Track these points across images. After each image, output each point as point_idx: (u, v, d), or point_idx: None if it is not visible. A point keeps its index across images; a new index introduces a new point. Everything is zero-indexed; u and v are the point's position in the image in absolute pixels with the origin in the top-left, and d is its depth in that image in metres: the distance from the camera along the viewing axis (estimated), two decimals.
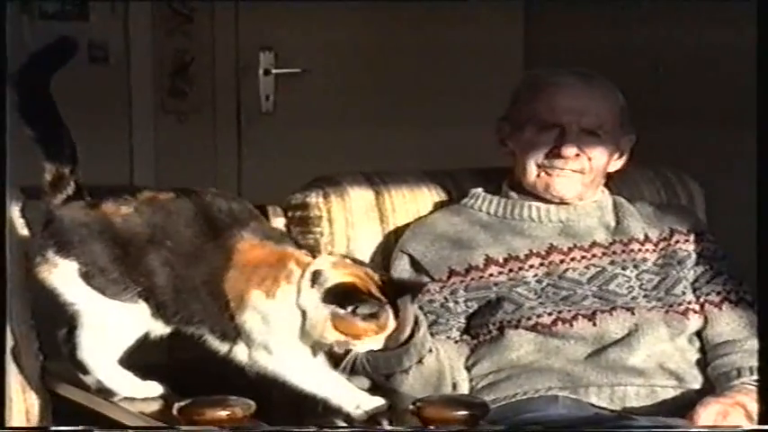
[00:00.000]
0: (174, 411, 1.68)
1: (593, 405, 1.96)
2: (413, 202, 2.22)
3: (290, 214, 2.19)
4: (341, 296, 1.71)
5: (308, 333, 1.73)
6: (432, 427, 1.63)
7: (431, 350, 1.93)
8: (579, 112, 2.09)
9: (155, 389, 1.80)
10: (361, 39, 3.54)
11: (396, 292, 1.76)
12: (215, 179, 3.60)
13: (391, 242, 2.16)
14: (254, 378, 1.80)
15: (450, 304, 2.04)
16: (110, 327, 1.77)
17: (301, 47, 3.56)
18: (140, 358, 1.83)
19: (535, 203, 2.13)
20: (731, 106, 3.04)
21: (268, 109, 3.59)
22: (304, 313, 1.72)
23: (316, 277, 1.72)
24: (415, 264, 2.07)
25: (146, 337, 1.79)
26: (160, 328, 1.79)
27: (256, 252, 1.74)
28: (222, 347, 1.77)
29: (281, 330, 1.73)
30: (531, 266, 2.07)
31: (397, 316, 1.75)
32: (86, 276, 1.74)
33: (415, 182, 2.25)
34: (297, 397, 1.81)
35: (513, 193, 2.15)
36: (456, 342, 2.03)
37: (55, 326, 1.86)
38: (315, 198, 2.18)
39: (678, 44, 3.16)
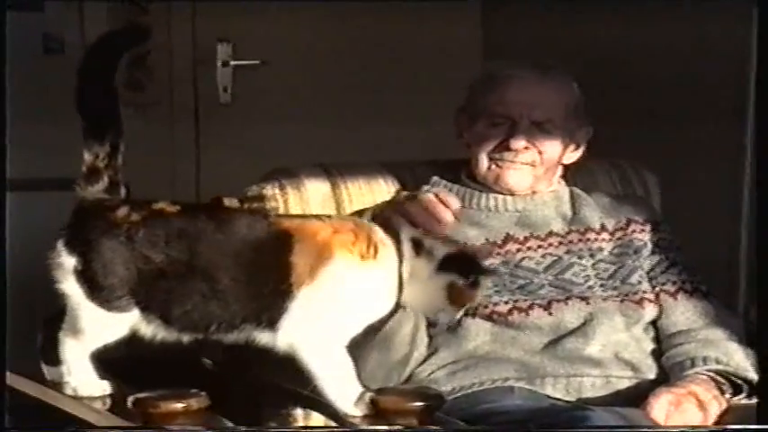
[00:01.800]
0: (129, 404, 1.67)
1: (548, 396, 1.97)
2: (369, 194, 2.22)
3: (246, 206, 2.18)
4: (460, 265, 1.70)
5: (409, 302, 1.71)
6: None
7: None
8: (530, 105, 2.10)
9: (106, 388, 1.77)
10: (319, 31, 3.53)
11: None
12: (173, 171, 3.58)
13: None
14: (210, 371, 1.79)
15: None
16: (89, 331, 1.73)
17: (259, 38, 3.54)
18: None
19: (492, 194, 2.14)
20: (688, 99, 3.07)
21: (226, 101, 3.57)
22: (401, 281, 1.69)
23: (418, 247, 1.70)
24: None
25: (150, 341, 1.74)
26: (164, 334, 1.73)
27: (316, 225, 1.70)
28: (264, 337, 1.70)
29: (362, 295, 1.68)
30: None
31: None
32: (79, 275, 1.70)
33: (371, 173, 2.26)
34: (254, 390, 1.81)
35: (471, 183, 2.16)
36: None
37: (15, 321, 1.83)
38: (271, 190, 2.18)
39: (636, 38, 3.18)
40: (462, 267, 1.70)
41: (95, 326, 1.72)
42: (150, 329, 1.72)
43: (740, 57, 2.94)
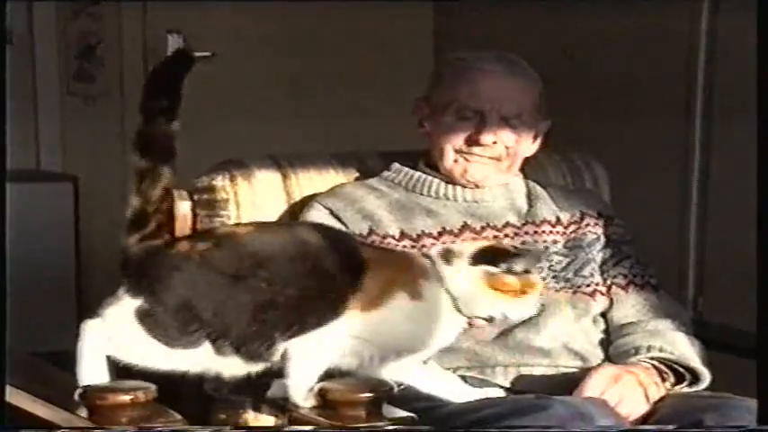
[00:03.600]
0: (76, 396, 1.66)
1: (499, 386, 1.97)
2: (320, 185, 2.21)
3: (195, 198, 2.16)
4: (491, 256, 1.74)
5: (465, 308, 1.75)
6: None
7: None
8: (500, 100, 2.09)
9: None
10: (271, 23, 3.52)
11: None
12: (123, 163, 3.55)
13: None
14: None
15: None
16: (128, 351, 1.69)
17: (211, 30, 3.52)
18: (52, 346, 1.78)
19: (450, 183, 2.14)
20: (636, 93, 3.10)
21: None
22: (452, 295, 1.74)
23: (449, 255, 1.75)
24: (334, 216, 2.07)
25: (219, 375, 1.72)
26: (239, 366, 1.70)
27: (386, 255, 1.77)
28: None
29: (413, 333, 1.74)
30: (444, 244, 2.07)
31: None
32: (142, 314, 1.66)
33: (322, 165, 2.25)
34: (201, 380, 1.80)
35: (429, 171, 2.16)
36: None
37: None
38: (221, 181, 2.16)
39: (585, 31, 3.20)
40: (494, 257, 1.75)
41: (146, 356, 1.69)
42: (223, 363, 1.69)
43: (688, 52, 2.97)
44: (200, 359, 1.69)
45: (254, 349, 1.68)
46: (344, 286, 1.70)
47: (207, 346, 1.67)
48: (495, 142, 2.10)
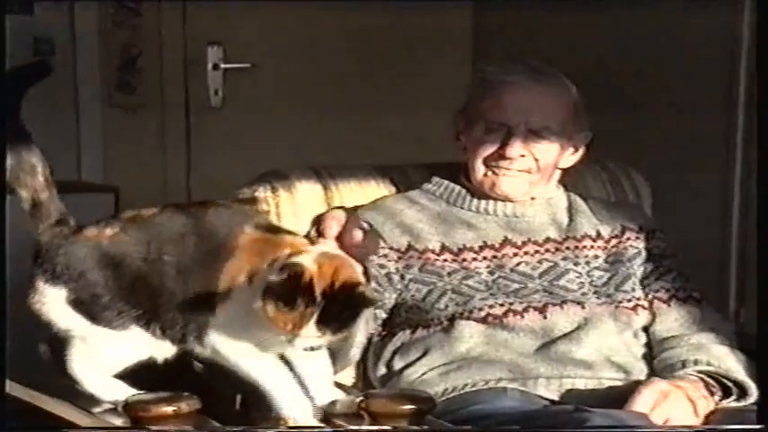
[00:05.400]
0: (119, 407, 1.67)
1: (541, 397, 1.96)
2: (361, 197, 2.21)
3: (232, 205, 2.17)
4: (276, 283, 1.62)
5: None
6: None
7: None
8: (527, 112, 2.09)
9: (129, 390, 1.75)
10: (308, 33, 3.54)
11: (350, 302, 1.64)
12: (164, 174, 3.58)
13: None
14: (199, 374, 1.79)
15: (396, 277, 2.04)
16: (101, 352, 1.72)
17: (250, 41, 3.54)
18: None
19: (490, 198, 2.14)
20: (678, 102, 3.08)
21: (217, 103, 3.57)
22: None
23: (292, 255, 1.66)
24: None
25: (154, 361, 1.74)
26: (167, 350, 1.73)
27: (257, 244, 1.69)
28: (202, 349, 1.71)
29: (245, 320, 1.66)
30: (485, 258, 2.08)
31: (339, 329, 1.64)
32: (75, 303, 1.70)
33: (363, 176, 2.25)
34: (241, 392, 1.80)
35: (468, 185, 2.16)
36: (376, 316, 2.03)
37: None
38: (263, 193, 2.17)
39: (626, 37, 3.19)
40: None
41: (107, 349, 1.71)
42: (158, 343, 1.71)
43: (730, 60, 2.95)
44: (144, 342, 1.70)
45: (176, 333, 1.69)
46: (214, 276, 1.66)
47: (141, 329, 1.69)
48: (523, 155, 2.09)
